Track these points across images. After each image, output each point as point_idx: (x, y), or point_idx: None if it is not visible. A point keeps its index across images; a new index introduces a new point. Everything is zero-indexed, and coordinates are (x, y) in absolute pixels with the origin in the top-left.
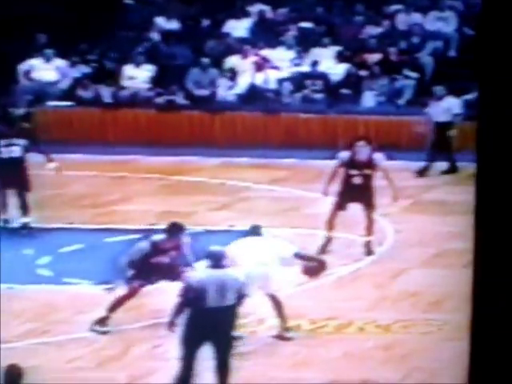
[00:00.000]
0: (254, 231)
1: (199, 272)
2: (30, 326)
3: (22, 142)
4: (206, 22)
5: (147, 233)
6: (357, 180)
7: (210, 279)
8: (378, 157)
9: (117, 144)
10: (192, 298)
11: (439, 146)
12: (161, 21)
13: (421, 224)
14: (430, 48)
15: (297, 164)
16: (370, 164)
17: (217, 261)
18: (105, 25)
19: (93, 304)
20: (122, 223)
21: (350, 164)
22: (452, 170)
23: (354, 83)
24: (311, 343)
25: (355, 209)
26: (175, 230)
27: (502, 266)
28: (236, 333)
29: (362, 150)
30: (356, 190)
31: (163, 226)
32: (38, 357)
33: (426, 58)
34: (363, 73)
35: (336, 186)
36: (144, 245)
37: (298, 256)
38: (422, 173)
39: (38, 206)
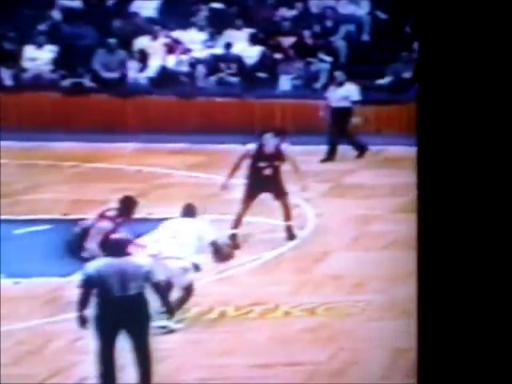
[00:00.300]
0: (187, 212)
1: (97, 261)
2: None
3: None
4: (111, 1)
5: (59, 223)
6: (265, 172)
7: (109, 268)
8: (286, 147)
9: (20, 130)
10: (94, 289)
11: (339, 131)
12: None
13: (341, 208)
14: (343, 32)
15: (215, 149)
16: (277, 155)
17: (117, 249)
18: (2, 3)
19: (3, 298)
20: (31, 213)
21: (258, 156)
22: (361, 153)
23: (269, 66)
24: (237, 329)
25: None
26: (128, 204)
27: (446, 248)
28: (159, 322)
29: (270, 142)
30: (265, 182)
31: (76, 216)
32: None
33: (339, 41)
34: (278, 56)
35: (241, 179)
36: (105, 224)
37: (213, 245)
38: (326, 159)
39: None
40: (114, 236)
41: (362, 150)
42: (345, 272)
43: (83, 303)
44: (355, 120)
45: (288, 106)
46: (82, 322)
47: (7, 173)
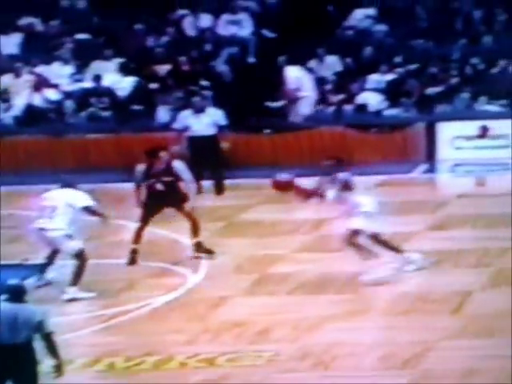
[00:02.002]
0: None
1: None
2: None
3: None
4: None
5: None
6: (159, 187)
7: (1, 314)
8: (177, 164)
9: None
10: None
11: (204, 161)
12: None
13: (237, 248)
14: (225, 55)
15: (93, 189)
16: (169, 171)
17: (12, 295)
18: None
19: None
20: None
21: (148, 175)
22: (219, 189)
23: (144, 97)
24: (128, 382)
25: (168, 238)
26: None
27: None
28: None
29: (162, 159)
30: (161, 197)
31: None
32: None
33: (222, 66)
34: (154, 86)
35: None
36: None
37: (87, 210)
38: (218, 191)
39: None
40: (11, 281)
41: (220, 186)
42: (246, 318)
43: None
44: (225, 145)
45: (168, 139)
46: None
47: None
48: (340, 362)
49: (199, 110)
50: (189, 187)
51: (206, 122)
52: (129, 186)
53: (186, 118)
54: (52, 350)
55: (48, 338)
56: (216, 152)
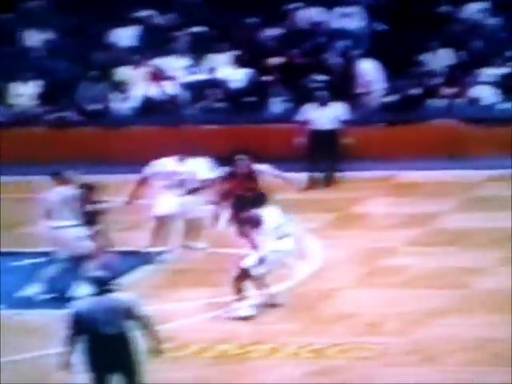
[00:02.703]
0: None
1: (85, 299)
2: None
3: None
4: (90, 32)
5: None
6: (246, 193)
7: (98, 306)
8: (259, 168)
9: (10, 164)
10: (82, 328)
11: (324, 155)
12: (37, 34)
13: (348, 240)
14: (338, 47)
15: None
16: (251, 176)
17: (102, 286)
18: None
19: (3, 330)
20: (28, 247)
21: (232, 177)
22: (329, 181)
23: (257, 89)
24: (240, 369)
25: None
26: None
27: None
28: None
29: (241, 164)
30: (249, 202)
31: None
32: None
33: (334, 58)
34: (267, 78)
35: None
36: None
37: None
38: (327, 183)
39: None
40: (95, 273)
41: (330, 179)
42: (357, 310)
43: (71, 344)
44: (348, 141)
45: (281, 131)
46: (66, 367)
47: (5, 207)
48: (449, 358)
49: (323, 104)
50: (287, 180)
51: (329, 115)
52: None
53: (310, 110)
54: (148, 333)
55: (142, 322)
56: (335, 146)
